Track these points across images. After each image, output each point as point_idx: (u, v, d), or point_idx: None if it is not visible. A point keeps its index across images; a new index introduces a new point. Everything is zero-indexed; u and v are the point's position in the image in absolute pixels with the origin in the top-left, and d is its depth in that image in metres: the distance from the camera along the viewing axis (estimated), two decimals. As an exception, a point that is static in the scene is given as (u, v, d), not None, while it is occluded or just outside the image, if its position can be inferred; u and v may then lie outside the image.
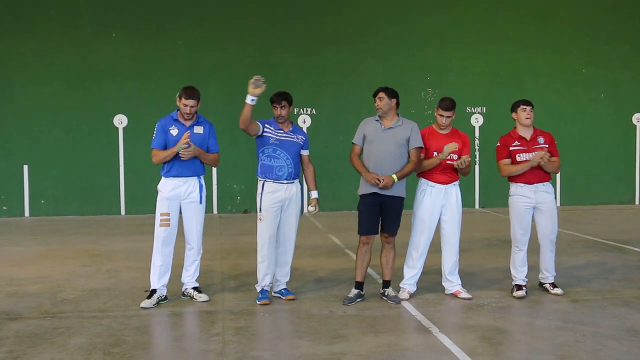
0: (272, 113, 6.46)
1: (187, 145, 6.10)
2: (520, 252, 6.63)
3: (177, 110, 6.37)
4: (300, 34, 14.34)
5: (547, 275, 6.67)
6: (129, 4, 13.88)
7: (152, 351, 5.00)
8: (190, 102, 6.26)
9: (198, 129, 6.37)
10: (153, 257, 6.33)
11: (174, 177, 6.29)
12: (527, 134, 6.55)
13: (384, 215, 6.34)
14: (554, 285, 6.65)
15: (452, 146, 6.25)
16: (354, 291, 6.39)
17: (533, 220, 6.61)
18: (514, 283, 6.65)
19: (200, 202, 6.41)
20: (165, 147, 6.30)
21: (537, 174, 6.47)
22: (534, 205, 6.51)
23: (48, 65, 13.64)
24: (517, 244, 6.63)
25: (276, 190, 6.33)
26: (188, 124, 6.35)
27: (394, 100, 6.32)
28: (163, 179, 6.35)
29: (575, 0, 15.23)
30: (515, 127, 6.65)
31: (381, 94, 6.33)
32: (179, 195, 6.31)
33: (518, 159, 6.52)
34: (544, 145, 6.50)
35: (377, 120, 6.37)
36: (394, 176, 6.15)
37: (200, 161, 6.41)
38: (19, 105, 13.57)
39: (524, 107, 6.54)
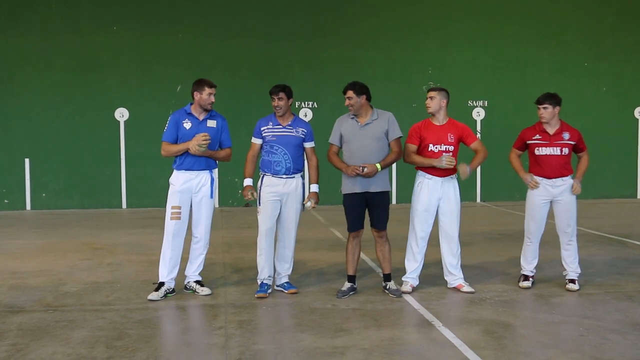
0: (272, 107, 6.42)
1: (204, 143, 6.09)
2: (531, 245, 6.68)
3: (191, 104, 6.36)
4: (302, 27, 14.30)
5: (568, 270, 6.63)
6: (130, -3, 13.85)
7: (154, 344, 4.99)
8: (214, 90, 6.30)
9: (211, 123, 6.36)
10: (163, 249, 6.32)
11: (186, 170, 6.28)
12: (551, 128, 6.52)
13: (371, 210, 6.33)
14: (571, 281, 6.58)
15: (448, 161, 6.22)
16: (347, 284, 6.40)
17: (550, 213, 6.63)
18: (521, 273, 6.73)
19: (211, 196, 6.40)
20: (175, 141, 6.29)
21: (556, 170, 6.47)
22: (551, 200, 6.54)
23: (49, 59, 13.60)
24: (529, 235, 6.68)
25: (274, 184, 6.33)
26: (202, 117, 6.33)
27: (363, 97, 6.23)
28: (175, 171, 6.33)
29: (578, -7, 15.21)
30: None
31: (349, 93, 6.25)
32: (191, 189, 6.30)
33: (537, 152, 6.52)
34: (570, 142, 6.48)
35: (352, 117, 6.32)
36: (378, 165, 6.12)
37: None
38: (20, 99, 13.53)
39: (538, 106, 6.52)
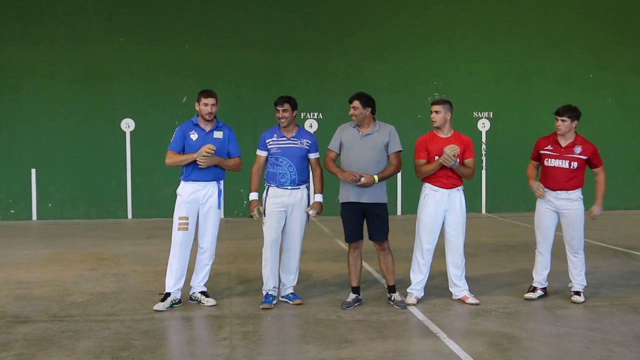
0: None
1: (207, 154, 6.12)
2: (539, 255, 6.69)
3: (197, 115, 6.40)
4: (306, 38, 14.37)
5: (574, 282, 6.60)
6: (137, 9, 13.92)
7: (160, 355, 5.00)
8: (210, 100, 6.30)
9: (217, 134, 6.40)
10: (170, 260, 6.35)
11: (193, 181, 6.31)
12: (564, 141, 6.50)
13: (369, 223, 6.30)
14: (577, 293, 6.55)
15: (452, 147, 6.22)
16: (352, 296, 6.38)
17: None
18: (531, 284, 6.75)
19: (218, 207, 6.42)
20: (181, 152, 6.33)
21: (560, 183, 6.46)
22: (556, 211, 6.53)
23: (56, 69, 13.69)
24: (537, 245, 6.73)
25: (279, 195, 6.34)
26: (208, 128, 6.37)
27: (368, 109, 6.23)
28: (182, 182, 6.37)
29: (583, 4, 15.21)
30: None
31: (355, 103, 6.23)
32: (198, 200, 6.33)
33: (546, 163, 6.54)
34: (580, 157, 6.46)
35: (354, 127, 6.31)
36: (375, 177, 6.10)
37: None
38: (27, 109, 13.62)
39: (556, 117, 6.49)
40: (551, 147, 6.53)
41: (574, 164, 6.45)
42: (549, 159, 6.51)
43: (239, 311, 6.20)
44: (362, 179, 6.06)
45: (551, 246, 6.68)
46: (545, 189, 6.53)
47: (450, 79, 14.74)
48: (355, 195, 6.18)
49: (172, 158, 6.34)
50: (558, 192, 6.48)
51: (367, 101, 6.23)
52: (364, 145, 6.22)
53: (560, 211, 6.53)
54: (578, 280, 6.58)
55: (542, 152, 6.58)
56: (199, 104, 6.32)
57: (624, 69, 15.28)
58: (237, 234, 11.48)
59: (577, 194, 6.51)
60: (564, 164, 6.46)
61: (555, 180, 6.48)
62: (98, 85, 13.80)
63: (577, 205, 6.51)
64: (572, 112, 6.44)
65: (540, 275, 6.67)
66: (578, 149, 6.48)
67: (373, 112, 6.31)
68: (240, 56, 14.14)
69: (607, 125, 15.19)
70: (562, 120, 6.43)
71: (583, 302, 6.45)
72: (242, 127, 13.63)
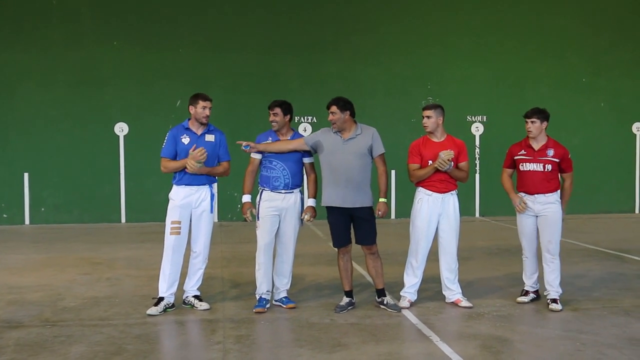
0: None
1: (201, 158, 6.11)
2: (526, 260, 6.70)
3: (189, 119, 6.39)
4: (301, 43, 14.38)
5: (549, 289, 6.52)
6: (131, 12, 13.91)
7: (153, 359, 5.00)
8: (208, 103, 6.31)
9: (209, 138, 6.39)
10: (162, 264, 6.34)
11: (185, 185, 6.30)
12: (536, 144, 6.54)
13: (356, 227, 6.29)
14: (554, 300, 6.43)
15: (447, 153, 6.25)
16: (345, 299, 6.39)
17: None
18: (523, 287, 6.76)
19: (211, 211, 6.42)
20: (174, 156, 6.32)
21: (537, 186, 6.48)
22: (536, 214, 6.54)
23: (50, 73, 13.66)
24: (522, 250, 6.73)
25: (273, 199, 6.34)
26: (200, 131, 6.37)
27: (347, 113, 6.16)
28: (175, 187, 6.36)
29: (576, 9, 15.28)
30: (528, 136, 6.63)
31: (333, 108, 6.17)
32: (191, 204, 6.32)
33: (521, 168, 6.56)
34: (553, 159, 6.48)
35: (335, 132, 6.24)
36: (382, 200, 6.24)
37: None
38: (20, 113, 13.59)
39: (526, 119, 6.55)
40: (524, 151, 6.56)
41: (549, 167, 6.48)
42: (524, 164, 6.54)
43: (232, 315, 6.20)
44: (380, 213, 6.24)
45: (536, 250, 6.70)
46: (523, 194, 6.56)
47: (445, 83, 14.77)
48: (340, 200, 6.16)
49: (167, 166, 6.34)
50: (535, 195, 6.50)
51: (344, 105, 6.17)
52: (346, 150, 6.16)
53: (539, 214, 6.53)
54: (554, 287, 6.48)
55: (516, 157, 6.61)
56: (196, 107, 6.30)
57: (617, 73, 15.35)
58: (231, 238, 11.47)
59: (554, 196, 6.52)
60: (539, 167, 6.48)
61: (531, 184, 6.49)
62: (92, 89, 13.77)
63: (554, 208, 6.50)
64: (540, 113, 6.50)
65: (530, 279, 6.69)
66: (551, 152, 6.50)
67: (352, 115, 6.25)
68: (235, 60, 14.14)
69: (600, 130, 15.28)
70: (532, 122, 6.49)
71: (561, 310, 6.32)
72: (237, 131, 13.58)
